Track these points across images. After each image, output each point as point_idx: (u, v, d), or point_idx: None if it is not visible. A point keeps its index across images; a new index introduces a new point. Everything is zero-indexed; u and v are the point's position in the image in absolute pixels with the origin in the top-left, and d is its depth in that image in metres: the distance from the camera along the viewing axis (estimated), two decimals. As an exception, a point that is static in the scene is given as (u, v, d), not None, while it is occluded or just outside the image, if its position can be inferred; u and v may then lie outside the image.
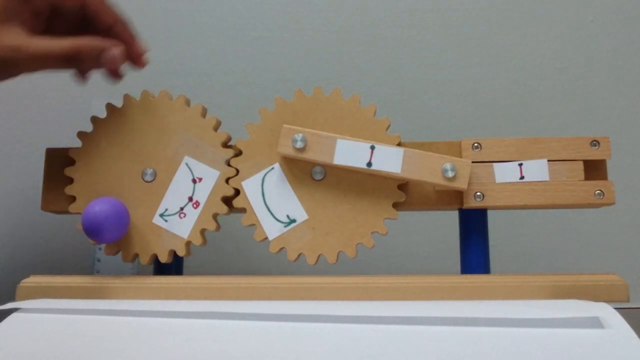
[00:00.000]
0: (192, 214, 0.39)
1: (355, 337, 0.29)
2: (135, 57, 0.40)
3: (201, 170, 0.39)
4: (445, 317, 0.30)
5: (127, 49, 0.40)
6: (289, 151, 0.38)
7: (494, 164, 0.38)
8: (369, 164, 0.37)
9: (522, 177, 0.38)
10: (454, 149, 0.39)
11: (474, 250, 0.40)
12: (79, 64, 0.38)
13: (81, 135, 0.40)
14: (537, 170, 0.38)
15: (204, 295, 0.36)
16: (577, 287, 0.34)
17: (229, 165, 0.39)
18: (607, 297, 0.34)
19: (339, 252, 0.38)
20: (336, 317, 0.30)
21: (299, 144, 0.37)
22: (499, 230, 0.54)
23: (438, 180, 0.37)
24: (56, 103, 0.60)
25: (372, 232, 0.38)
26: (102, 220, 0.36)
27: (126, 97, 0.40)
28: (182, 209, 0.39)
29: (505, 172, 0.38)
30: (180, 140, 0.39)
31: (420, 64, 0.61)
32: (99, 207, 0.36)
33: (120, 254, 0.39)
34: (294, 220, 0.38)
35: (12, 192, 0.59)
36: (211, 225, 0.39)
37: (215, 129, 0.40)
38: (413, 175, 0.37)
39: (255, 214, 0.38)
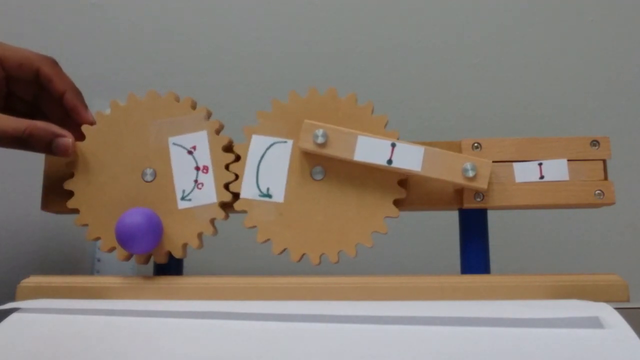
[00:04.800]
0: (208, 178, 0.39)
1: (355, 337, 0.29)
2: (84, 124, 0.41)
3: (189, 140, 0.39)
4: (445, 317, 0.30)
5: (77, 117, 0.41)
6: (310, 146, 0.38)
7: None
8: (390, 161, 0.37)
9: (541, 177, 0.38)
10: (454, 149, 0.39)
11: (474, 250, 0.40)
12: (30, 147, 0.38)
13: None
14: (556, 170, 0.38)
15: (204, 295, 0.36)
16: (577, 287, 0.34)
17: (208, 119, 0.39)
18: (607, 297, 0.34)
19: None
20: (336, 317, 0.30)
21: (320, 140, 0.37)
22: (499, 230, 0.54)
23: (458, 179, 0.37)
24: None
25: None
26: (140, 232, 0.36)
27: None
28: (196, 181, 0.39)
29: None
30: (155, 128, 0.39)
31: (421, 63, 0.61)
32: (137, 218, 0.36)
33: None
34: (269, 196, 0.38)
35: (12, 192, 0.59)
36: (229, 176, 0.39)
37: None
38: (433, 173, 0.37)
39: (244, 168, 0.39)
